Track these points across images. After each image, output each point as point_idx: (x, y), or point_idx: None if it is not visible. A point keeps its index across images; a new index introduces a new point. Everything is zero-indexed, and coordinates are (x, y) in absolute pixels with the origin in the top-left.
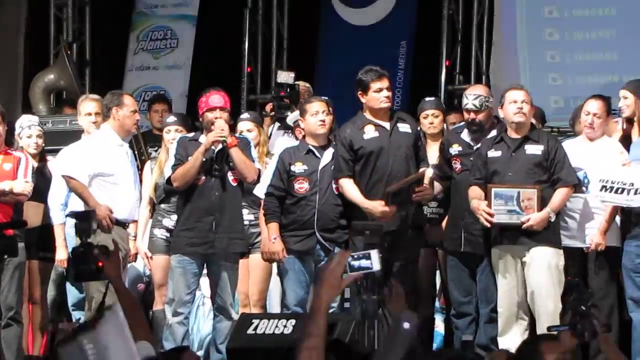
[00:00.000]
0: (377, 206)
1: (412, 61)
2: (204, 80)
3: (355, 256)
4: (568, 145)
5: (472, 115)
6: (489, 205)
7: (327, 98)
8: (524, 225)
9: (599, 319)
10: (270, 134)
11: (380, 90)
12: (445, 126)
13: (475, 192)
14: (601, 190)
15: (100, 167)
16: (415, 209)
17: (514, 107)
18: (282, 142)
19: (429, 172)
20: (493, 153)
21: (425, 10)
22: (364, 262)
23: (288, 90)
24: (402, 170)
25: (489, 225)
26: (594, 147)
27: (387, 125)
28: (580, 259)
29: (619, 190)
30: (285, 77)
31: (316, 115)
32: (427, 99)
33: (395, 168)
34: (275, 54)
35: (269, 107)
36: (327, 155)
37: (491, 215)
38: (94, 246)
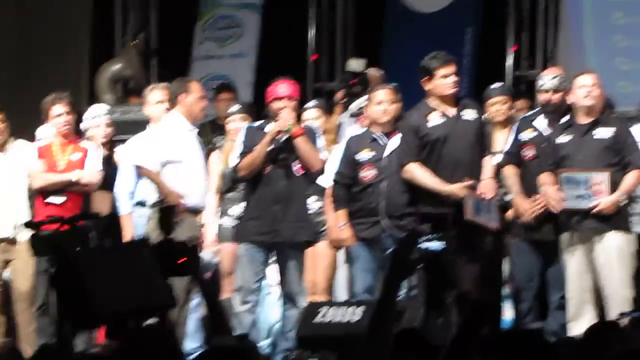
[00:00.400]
0: (457, 188)
1: (478, 47)
2: (270, 68)
3: (425, 239)
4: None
5: (550, 95)
6: (560, 191)
7: (395, 85)
8: (594, 210)
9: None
10: (341, 123)
11: (447, 76)
12: (511, 114)
13: (544, 178)
14: None
15: (172, 155)
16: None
17: (584, 90)
18: (353, 130)
19: (494, 160)
20: (562, 139)
21: None
22: (432, 245)
23: (358, 77)
24: (468, 158)
25: (556, 211)
26: None
27: (452, 111)
28: None
29: None
30: (356, 64)
31: (380, 105)
32: (494, 86)
33: (461, 155)
34: (340, 41)
35: (339, 94)
36: (393, 143)
37: (560, 200)
38: (176, 242)
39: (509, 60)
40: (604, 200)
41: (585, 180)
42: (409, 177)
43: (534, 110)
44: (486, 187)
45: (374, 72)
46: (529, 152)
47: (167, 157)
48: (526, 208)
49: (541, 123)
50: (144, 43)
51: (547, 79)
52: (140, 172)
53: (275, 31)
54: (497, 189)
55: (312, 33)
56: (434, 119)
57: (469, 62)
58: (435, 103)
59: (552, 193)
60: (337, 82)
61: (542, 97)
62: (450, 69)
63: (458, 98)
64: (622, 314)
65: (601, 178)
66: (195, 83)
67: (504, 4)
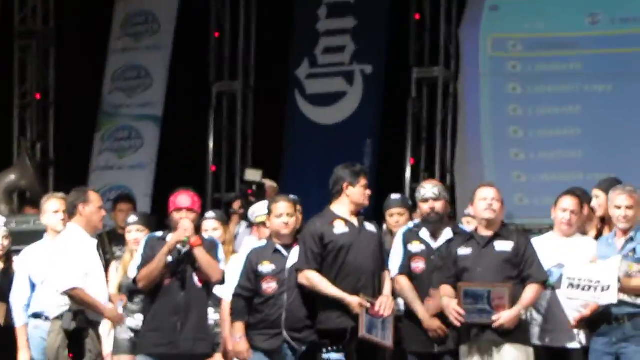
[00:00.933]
0: (355, 303)
1: (377, 159)
2: (169, 180)
3: (327, 349)
4: (543, 241)
5: (431, 203)
6: (460, 304)
7: (295, 197)
8: (495, 324)
9: None
10: (237, 233)
11: (366, 187)
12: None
13: (446, 290)
14: (568, 287)
15: (85, 267)
16: None
17: (484, 204)
18: (250, 240)
19: (390, 276)
20: (463, 251)
21: (390, 109)
22: (333, 357)
23: (255, 188)
24: (370, 268)
25: (458, 324)
26: (571, 243)
27: (356, 222)
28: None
29: (586, 288)
30: (252, 175)
31: (280, 217)
32: (393, 196)
33: (364, 265)
34: (240, 152)
35: (236, 204)
36: (294, 254)
37: (461, 314)
38: None
39: (407, 173)
40: (504, 315)
41: (486, 295)
42: (307, 284)
43: (416, 222)
44: (384, 304)
45: (270, 183)
46: (418, 265)
47: (84, 270)
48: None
49: (425, 234)
50: (41, 153)
51: (429, 187)
52: (73, 299)
53: (174, 142)
54: (393, 306)
55: (211, 144)
56: (339, 227)
57: (368, 173)
58: (343, 211)
59: (454, 306)
60: (237, 193)
61: (424, 207)
62: (366, 181)
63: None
64: None
65: (501, 292)
66: (93, 193)
67: (403, 116)
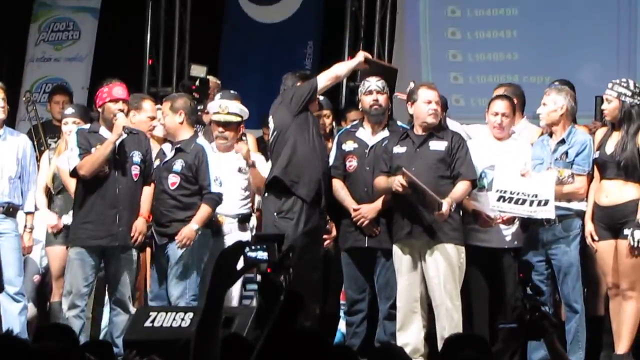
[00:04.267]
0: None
1: (318, 60)
2: (106, 72)
3: (252, 247)
4: (475, 143)
5: (375, 96)
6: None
7: (236, 93)
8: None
9: (550, 318)
10: None
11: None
12: (333, 126)
13: (382, 180)
14: (498, 200)
15: None
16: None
17: (428, 107)
18: None
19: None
20: (398, 149)
21: (332, 9)
22: (260, 254)
23: (198, 84)
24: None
25: (401, 189)
26: (503, 147)
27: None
28: (492, 259)
29: (519, 201)
30: (197, 70)
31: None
32: (321, 98)
33: None
34: (177, 47)
35: None
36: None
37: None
38: None
39: None
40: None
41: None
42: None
43: (354, 123)
44: None
45: (213, 79)
46: (352, 163)
47: None
48: (369, 209)
49: (363, 133)
50: None
51: (373, 80)
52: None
53: (112, 35)
54: None
55: (148, 37)
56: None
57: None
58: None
59: (400, 179)
60: (180, 87)
61: (367, 100)
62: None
63: None
64: (499, 324)
65: (433, 202)
66: (148, 101)
67: (343, 16)
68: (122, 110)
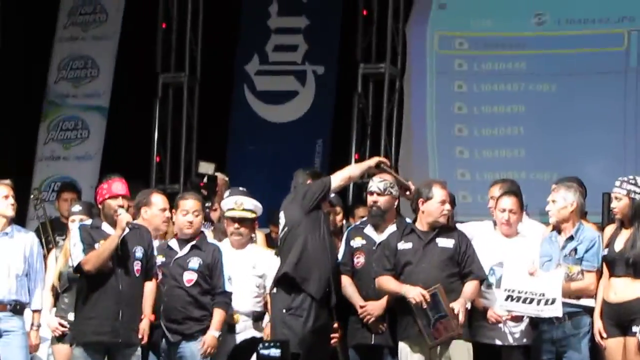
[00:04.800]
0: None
1: (327, 158)
2: (114, 170)
3: (266, 345)
4: (482, 240)
5: (375, 197)
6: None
7: (244, 189)
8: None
9: None
10: None
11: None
12: (343, 223)
13: (391, 281)
14: (507, 299)
15: None
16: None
17: (443, 208)
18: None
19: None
20: (403, 245)
21: (341, 107)
22: (273, 352)
23: (206, 181)
24: None
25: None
26: (511, 244)
27: None
28: (493, 357)
29: (527, 300)
30: (205, 167)
31: (185, 216)
32: (332, 195)
33: None
34: (184, 144)
35: None
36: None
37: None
38: None
39: None
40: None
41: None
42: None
43: (363, 219)
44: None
45: (222, 176)
46: (359, 260)
47: None
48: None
49: (370, 230)
50: None
51: (376, 181)
52: None
53: (120, 133)
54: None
55: (156, 135)
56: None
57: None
58: None
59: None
60: (188, 184)
61: (368, 200)
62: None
63: None
64: None
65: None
66: (157, 195)
67: (351, 113)
68: (122, 206)
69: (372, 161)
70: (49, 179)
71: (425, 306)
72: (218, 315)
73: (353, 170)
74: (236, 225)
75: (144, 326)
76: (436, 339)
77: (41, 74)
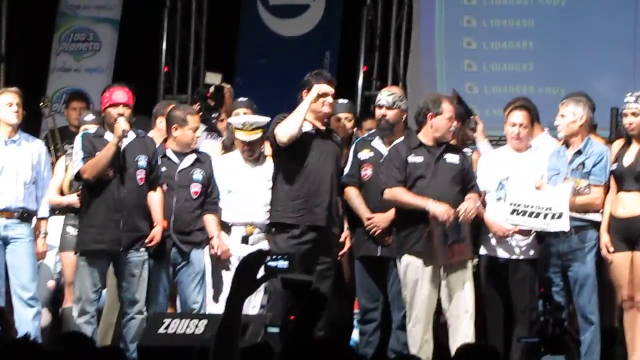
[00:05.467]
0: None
1: (335, 70)
2: (124, 82)
3: (274, 257)
4: (496, 154)
5: (384, 111)
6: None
7: (247, 99)
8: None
9: (572, 334)
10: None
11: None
12: (354, 131)
13: (408, 193)
14: (512, 213)
15: None
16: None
17: (450, 124)
18: (206, 144)
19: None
20: (414, 158)
21: (350, 20)
22: (281, 263)
23: (213, 91)
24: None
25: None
26: (521, 158)
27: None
28: (499, 270)
29: (533, 214)
30: (212, 78)
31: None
32: (340, 101)
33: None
34: (192, 55)
35: (195, 107)
36: (187, 161)
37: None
38: None
39: (360, 80)
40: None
41: None
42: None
43: (371, 131)
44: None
45: (228, 87)
46: (367, 172)
47: None
48: (382, 219)
49: (378, 143)
50: None
51: (384, 94)
52: None
53: (131, 45)
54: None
55: (164, 45)
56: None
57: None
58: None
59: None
60: (195, 94)
61: (377, 113)
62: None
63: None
64: (520, 338)
65: None
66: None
67: (360, 26)
68: (122, 115)
69: (313, 93)
70: (60, 90)
71: (448, 226)
72: (215, 220)
73: (302, 108)
74: (247, 146)
75: (155, 232)
76: (449, 259)
77: None
